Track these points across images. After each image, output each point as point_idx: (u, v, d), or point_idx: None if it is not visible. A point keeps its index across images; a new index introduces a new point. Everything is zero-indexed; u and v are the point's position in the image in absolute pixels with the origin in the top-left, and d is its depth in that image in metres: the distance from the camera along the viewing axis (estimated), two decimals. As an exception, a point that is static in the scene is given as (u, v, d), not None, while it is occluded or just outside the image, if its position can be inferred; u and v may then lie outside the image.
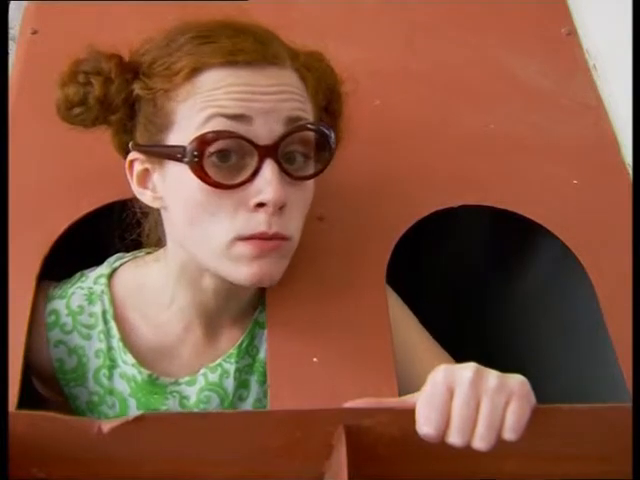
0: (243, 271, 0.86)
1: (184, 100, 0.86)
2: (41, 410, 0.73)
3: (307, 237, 1.00)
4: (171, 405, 0.98)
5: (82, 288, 1.00)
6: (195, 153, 0.84)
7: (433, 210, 1.03)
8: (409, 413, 0.71)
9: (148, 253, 1.00)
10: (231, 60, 0.85)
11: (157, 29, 1.22)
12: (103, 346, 0.98)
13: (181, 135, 0.86)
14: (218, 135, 0.84)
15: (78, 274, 1.02)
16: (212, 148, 0.84)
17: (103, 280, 0.99)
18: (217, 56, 0.86)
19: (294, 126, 0.86)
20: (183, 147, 0.85)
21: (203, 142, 0.84)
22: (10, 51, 1.24)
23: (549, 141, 1.14)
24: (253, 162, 0.84)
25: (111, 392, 0.99)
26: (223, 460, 0.77)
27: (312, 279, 0.98)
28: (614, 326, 0.96)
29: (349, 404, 0.76)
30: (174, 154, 0.86)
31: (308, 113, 0.88)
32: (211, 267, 0.89)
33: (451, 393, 0.71)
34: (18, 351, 0.89)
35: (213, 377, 0.99)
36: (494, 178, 1.09)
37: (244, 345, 0.99)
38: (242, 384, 1.00)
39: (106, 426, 0.72)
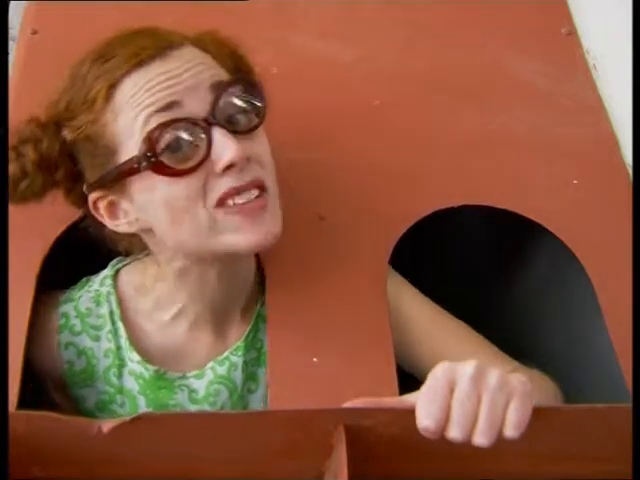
0: (241, 238, 0.88)
1: (114, 119, 0.87)
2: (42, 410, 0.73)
3: (307, 237, 1.00)
4: (180, 399, 1.00)
5: (89, 291, 1.02)
6: (149, 154, 0.86)
7: (433, 210, 1.03)
8: (409, 413, 0.71)
9: (147, 255, 1.00)
10: (136, 62, 0.87)
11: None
12: (112, 346, 1.00)
13: (129, 150, 0.87)
14: (161, 128, 0.85)
15: (84, 279, 1.04)
16: (161, 143, 0.86)
17: (109, 281, 1.01)
18: (122, 66, 0.87)
19: (221, 88, 0.88)
20: (135, 156, 0.86)
21: (151, 141, 0.86)
22: (10, 51, 1.24)
23: (549, 141, 1.14)
24: (202, 137, 0.86)
25: (121, 391, 1.00)
26: (223, 460, 0.77)
27: (312, 279, 0.98)
28: (614, 326, 0.96)
29: (349, 404, 0.76)
30: (130, 167, 0.87)
31: (225, 76, 0.91)
32: (212, 249, 0.89)
33: (451, 388, 0.72)
34: (18, 351, 0.89)
35: (221, 370, 1.00)
36: (494, 178, 1.09)
37: (250, 338, 1.00)
38: (250, 377, 1.00)
39: (106, 426, 0.72)
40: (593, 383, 1.06)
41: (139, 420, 0.72)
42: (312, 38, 1.22)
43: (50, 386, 1.03)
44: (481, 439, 0.70)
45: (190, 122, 0.86)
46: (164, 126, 0.85)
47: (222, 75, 0.90)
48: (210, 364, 1.00)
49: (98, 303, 1.00)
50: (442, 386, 0.71)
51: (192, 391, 1.00)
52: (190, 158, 0.86)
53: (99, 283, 1.02)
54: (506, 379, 0.72)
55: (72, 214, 0.99)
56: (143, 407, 1.00)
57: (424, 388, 0.73)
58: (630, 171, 1.10)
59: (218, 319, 0.99)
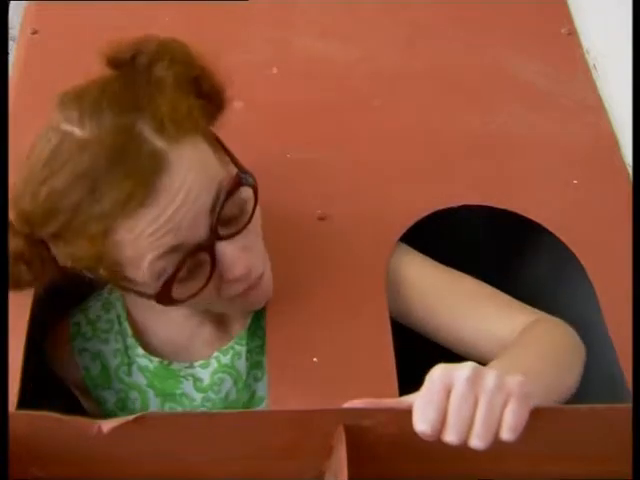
0: (246, 304, 0.93)
1: (117, 252, 0.82)
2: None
3: (307, 237, 1.00)
4: (186, 388, 1.01)
5: (99, 300, 1.05)
6: (161, 295, 0.85)
7: (433, 210, 1.03)
8: (409, 413, 0.71)
9: None
10: (127, 211, 0.80)
11: (157, 29, 1.22)
12: (120, 346, 1.02)
13: (134, 273, 0.85)
14: (169, 281, 0.84)
15: (95, 293, 1.06)
16: (171, 282, 0.84)
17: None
18: (114, 212, 0.80)
19: (218, 206, 0.84)
20: (144, 283, 0.85)
21: (165, 288, 0.84)
22: (10, 51, 1.24)
23: (549, 141, 1.14)
24: (207, 259, 0.85)
25: (133, 387, 1.02)
26: (223, 460, 0.77)
27: (312, 279, 0.98)
28: (614, 326, 0.96)
29: (349, 404, 0.76)
30: (137, 290, 0.87)
31: (211, 169, 0.85)
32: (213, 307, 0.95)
33: (448, 391, 0.71)
34: (18, 351, 0.88)
35: (225, 359, 1.00)
36: (494, 178, 1.09)
37: (253, 326, 1.01)
38: (255, 365, 1.01)
39: (106, 426, 0.72)
40: (593, 383, 1.06)
41: (139, 420, 0.72)
42: (312, 38, 1.22)
43: (77, 394, 1.07)
44: (477, 442, 0.70)
45: (195, 254, 0.84)
46: (173, 274, 0.83)
47: (211, 180, 0.84)
48: (215, 354, 1.01)
49: (107, 310, 1.03)
50: (438, 390, 0.71)
51: (197, 380, 1.01)
52: (196, 278, 0.86)
53: (108, 291, 1.05)
54: (504, 380, 0.72)
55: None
56: (152, 399, 1.02)
57: (421, 391, 0.73)
58: (630, 171, 1.10)
59: (220, 314, 1.01)
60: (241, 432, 0.75)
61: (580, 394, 0.96)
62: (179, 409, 1.02)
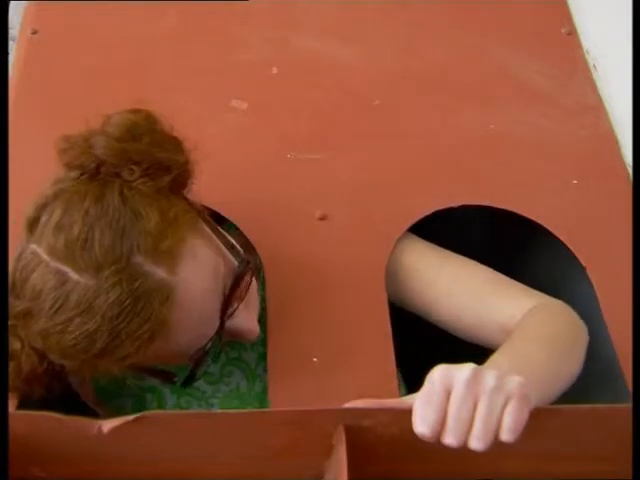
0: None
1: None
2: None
3: (308, 237, 1.00)
4: (197, 382, 1.01)
5: None
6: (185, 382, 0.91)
7: (433, 210, 1.03)
8: (409, 413, 0.71)
9: None
10: (148, 346, 0.81)
11: (157, 29, 1.23)
12: None
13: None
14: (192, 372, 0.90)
15: None
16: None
17: None
18: (139, 352, 0.81)
19: (223, 310, 0.87)
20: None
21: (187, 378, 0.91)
22: (10, 51, 1.24)
23: (549, 141, 1.14)
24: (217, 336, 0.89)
25: (147, 390, 1.03)
26: (223, 460, 0.77)
27: (312, 279, 0.98)
28: (614, 326, 0.96)
29: (349, 404, 0.76)
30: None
31: (213, 269, 0.86)
32: None
33: (448, 393, 0.71)
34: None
35: (232, 353, 1.02)
36: (494, 178, 1.09)
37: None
38: (263, 356, 1.01)
39: (106, 426, 0.72)
40: (593, 383, 1.06)
41: (139, 420, 0.72)
42: (312, 38, 1.22)
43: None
44: (476, 444, 0.70)
45: (210, 351, 0.88)
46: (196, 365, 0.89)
47: (214, 271, 0.86)
48: (224, 348, 1.01)
49: None
50: (438, 391, 0.71)
51: (208, 374, 1.01)
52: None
53: None
54: (503, 381, 0.72)
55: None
56: (169, 396, 1.03)
57: (421, 392, 0.73)
58: (630, 171, 1.10)
59: None
60: (241, 432, 0.75)
61: (580, 393, 0.96)
62: (193, 402, 1.03)
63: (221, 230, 0.92)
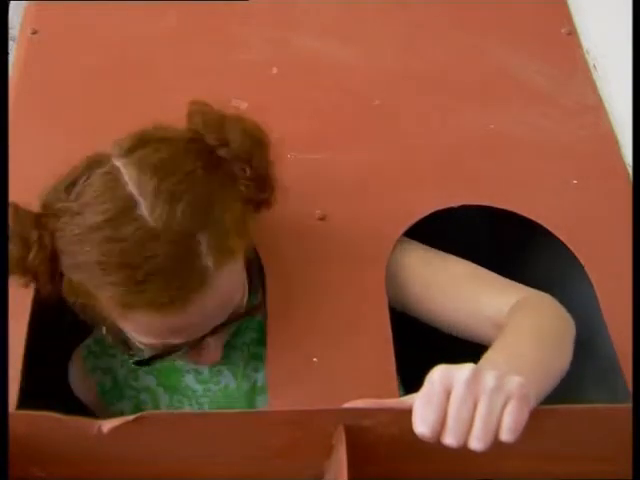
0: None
1: (124, 323, 0.86)
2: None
3: (308, 237, 1.00)
4: (188, 381, 1.04)
5: None
6: (139, 362, 0.92)
7: (433, 210, 1.03)
8: (409, 413, 0.71)
9: None
10: (157, 310, 0.82)
11: (157, 29, 1.23)
12: (125, 356, 1.02)
13: (129, 340, 0.90)
14: (153, 357, 0.90)
15: None
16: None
17: None
18: (147, 309, 0.82)
19: (218, 327, 0.88)
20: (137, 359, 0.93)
21: (144, 360, 0.91)
22: (10, 51, 1.24)
23: (549, 141, 1.14)
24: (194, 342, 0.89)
25: (142, 390, 1.06)
26: (223, 460, 0.77)
27: (312, 279, 0.98)
28: (614, 326, 0.96)
29: (349, 404, 0.76)
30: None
31: (236, 292, 0.88)
32: None
33: (448, 393, 0.71)
34: (18, 351, 0.88)
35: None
36: (494, 178, 1.09)
37: (245, 324, 1.02)
38: (253, 356, 1.03)
39: (106, 426, 0.72)
40: (593, 383, 1.06)
41: (139, 420, 0.72)
42: (312, 38, 1.22)
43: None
44: (476, 444, 0.70)
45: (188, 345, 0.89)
46: (159, 355, 0.90)
47: (234, 297, 0.88)
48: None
49: None
50: (438, 392, 0.71)
51: (198, 372, 1.04)
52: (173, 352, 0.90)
53: None
54: (503, 381, 0.72)
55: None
56: (162, 396, 1.05)
57: (421, 392, 0.73)
58: (630, 171, 1.10)
59: None
60: (241, 432, 0.75)
61: (580, 393, 0.96)
62: (185, 401, 1.04)
63: (254, 278, 0.94)
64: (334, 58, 1.19)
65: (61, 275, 0.84)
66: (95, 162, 0.84)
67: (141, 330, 0.86)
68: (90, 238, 0.80)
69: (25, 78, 1.15)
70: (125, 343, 0.91)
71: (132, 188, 0.80)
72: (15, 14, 1.24)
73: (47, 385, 1.05)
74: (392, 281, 0.99)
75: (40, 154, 1.07)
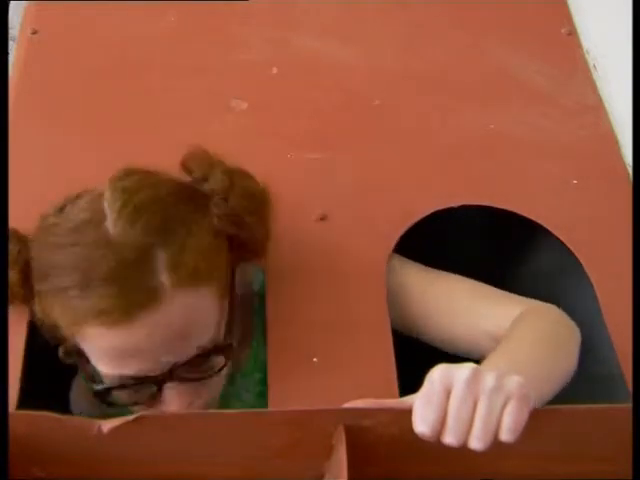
0: None
1: (80, 342, 0.85)
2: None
3: (308, 237, 1.00)
4: None
5: None
6: (98, 394, 0.87)
7: (433, 210, 1.03)
8: (409, 413, 0.71)
9: None
10: (98, 319, 0.80)
11: (157, 29, 1.23)
12: None
13: (86, 364, 0.87)
14: (108, 389, 0.86)
15: None
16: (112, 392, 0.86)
17: None
18: (88, 316, 0.80)
19: (184, 361, 0.84)
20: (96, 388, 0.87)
21: (103, 392, 0.87)
22: (10, 51, 1.24)
23: (549, 141, 1.14)
24: (154, 388, 0.85)
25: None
26: (223, 460, 0.77)
27: (312, 279, 0.98)
28: (614, 326, 0.96)
29: (349, 404, 0.76)
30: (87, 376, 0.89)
31: (199, 327, 0.85)
32: None
33: (448, 392, 0.71)
34: (18, 351, 0.89)
35: (231, 389, 1.00)
36: (494, 178, 1.09)
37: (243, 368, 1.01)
38: (262, 394, 0.99)
39: (106, 426, 0.72)
40: (593, 383, 1.06)
41: (139, 420, 0.72)
42: (312, 38, 1.22)
43: None
44: (476, 443, 0.70)
45: (144, 383, 0.85)
46: (121, 387, 0.85)
47: (194, 331, 0.84)
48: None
49: None
50: (438, 391, 0.71)
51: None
52: (137, 392, 0.86)
53: None
54: (503, 381, 0.72)
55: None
56: None
57: (421, 392, 0.73)
58: (630, 171, 1.10)
59: None
60: (241, 432, 0.75)
61: (580, 394, 0.96)
62: None
63: (231, 317, 0.90)
64: (334, 58, 1.19)
65: (32, 295, 0.85)
66: (91, 189, 0.86)
67: (94, 352, 0.84)
68: (55, 243, 0.83)
69: (25, 78, 1.15)
70: (86, 371, 0.88)
71: (105, 204, 0.83)
72: (15, 14, 1.24)
73: (47, 385, 1.05)
74: (391, 303, 0.97)
75: (40, 154, 1.07)
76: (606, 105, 1.17)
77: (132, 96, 1.14)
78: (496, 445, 0.70)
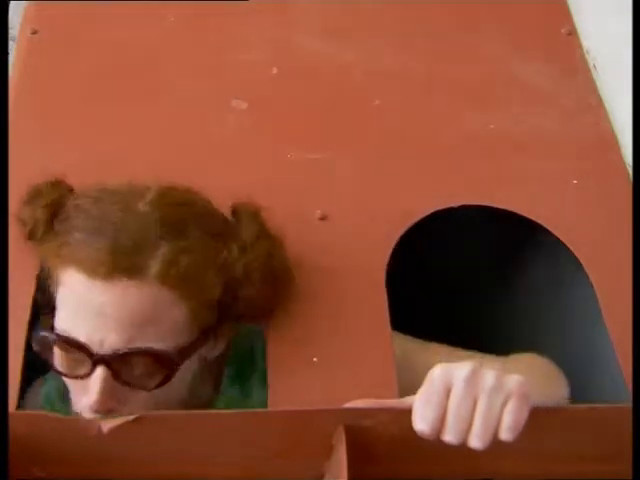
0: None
1: (59, 286, 0.88)
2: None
3: (308, 237, 1.00)
4: None
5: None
6: (47, 344, 0.88)
7: (433, 210, 1.03)
8: (409, 413, 0.71)
9: None
10: (83, 267, 0.84)
11: (157, 29, 1.23)
12: None
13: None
14: (56, 341, 0.87)
15: None
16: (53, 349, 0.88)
17: None
18: (78, 258, 0.85)
19: (127, 350, 0.84)
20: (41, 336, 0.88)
21: (45, 343, 0.88)
22: (10, 51, 1.24)
23: (549, 141, 1.14)
24: (89, 363, 0.85)
25: None
26: (223, 460, 0.77)
27: (312, 279, 0.98)
28: (614, 326, 0.96)
29: (349, 404, 0.76)
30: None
31: (158, 331, 0.86)
32: None
33: (448, 391, 0.71)
34: (18, 352, 0.88)
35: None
36: (494, 178, 1.09)
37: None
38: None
39: (106, 426, 0.72)
40: (593, 383, 1.06)
41: (139, 420, 0.72)
42: (312, 38, 1.22)
43: None
44: (476, 442, 0.70)
45: (81, 350, 0.85)
46: (59, 339, 0.86)
47: (150, 331, 0.85)
48: None
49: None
50: (438, 390, 0.71)
51: None
52: (75, 365, 0.87)
53: None
54: (503, 380, 0.72)
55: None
56: None
57: (421, 390, 0.73)
58: (630, 171, 1.10)
59: None
60: (241, 432, 0.75)
61: (580, 394, 0.96)
62: None
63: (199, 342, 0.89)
64: (334, 58, 1.19)
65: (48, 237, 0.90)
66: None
67: (63, 299, 0.86)
68: (92, 197, 0.90)
69: (25, 78, 1.15)
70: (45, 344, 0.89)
71: (147, 192, 0.89)
72: (15, 14, 1.24)
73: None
74: None
75: (40, 154, 1.07)
76: (606, 105, 1.17)
77: (132, 96, 1.14)
78: (496, 444, 0.70)
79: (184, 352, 0.87)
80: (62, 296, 0.88)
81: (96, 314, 0.84)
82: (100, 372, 0.85)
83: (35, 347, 0.88)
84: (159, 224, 0.86)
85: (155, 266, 0.84)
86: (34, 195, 0.93)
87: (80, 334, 0.85)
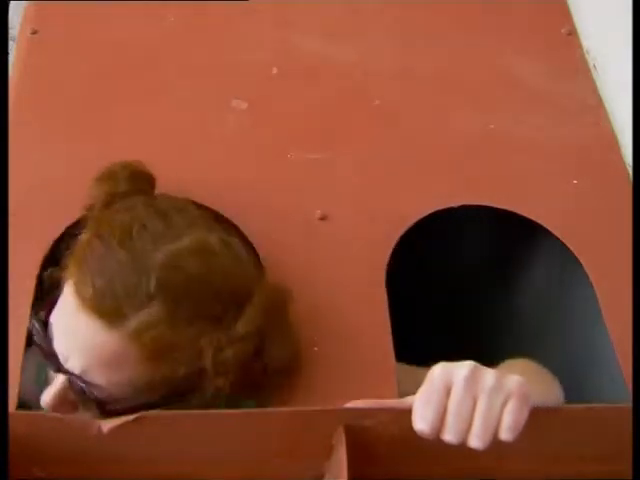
0: None
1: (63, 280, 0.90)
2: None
3: (308, 237, 1.00)
4: None
5: None
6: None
7: (433, 210, 1.03)
8: (409, 413, 0.71)
9: None
10: (76, 295, 0.86)
11: (157, 29, 1.23)
12: None
13: None
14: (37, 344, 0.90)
15: None
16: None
17: None
18: (79, 281, 0.86)
19: (82, 377, 0.86)
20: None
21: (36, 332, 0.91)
22: (10, 51, 1.24)
23: (549, 141, 1.14)
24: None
25: None
26: (223, 460, 0.77)
27: (312, 279, 0.98)
28: (614, 326, 0.96)
29: (349, 404, 0.76)
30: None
31: (113, 377, 0.86)
32: None
33: (448, 390, 0.71)
34: (18, 352, 0.88)
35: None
36: (494, 178, 1.09)
37: None
38: None
39: (106, 426, 0.72)
40: (593, 383, 1.06)
41: (139, 420, 0.72)
42: (312, 38, 1.22)
43: None
44: (476, 442, 0.70)
45: (52, 361, 0.88)
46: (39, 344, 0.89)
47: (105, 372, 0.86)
48: None
49: None
50: (438, 389, 0.71)
51: None
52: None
53: None
54: (503, 380, 0.72)
55: (73, 213, 0.99)
56: None
57: (421, 390, 0.73)
58: (630, 171, 1.10)
59: None
60: (241, 432, 0.75)
61: (580, 394, 0.96)
62: None
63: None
64: (334, 58, 1.19)
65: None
66: None
67: (62, 301, 0.88)
68: (126, 208, 0.90)
69: (25, 78, 1.15)
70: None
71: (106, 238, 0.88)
72: (15, 14, 1.24)
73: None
74: None
75: (40, 154, 1.07)
76: (606, 105, 1.17)
77: (132, 96, 1.14)
78: (496, 444, 0.70)
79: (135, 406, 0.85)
80: (61, 296, 0.89)
81: (70, 333, 0.87)
82: (61, 379, 0.88)
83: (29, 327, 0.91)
84: (157, 285, 0.83)
85: (134, 322, 0.83)
86: (107, 176, 0.94)
87: (58, 346, 0.88)
